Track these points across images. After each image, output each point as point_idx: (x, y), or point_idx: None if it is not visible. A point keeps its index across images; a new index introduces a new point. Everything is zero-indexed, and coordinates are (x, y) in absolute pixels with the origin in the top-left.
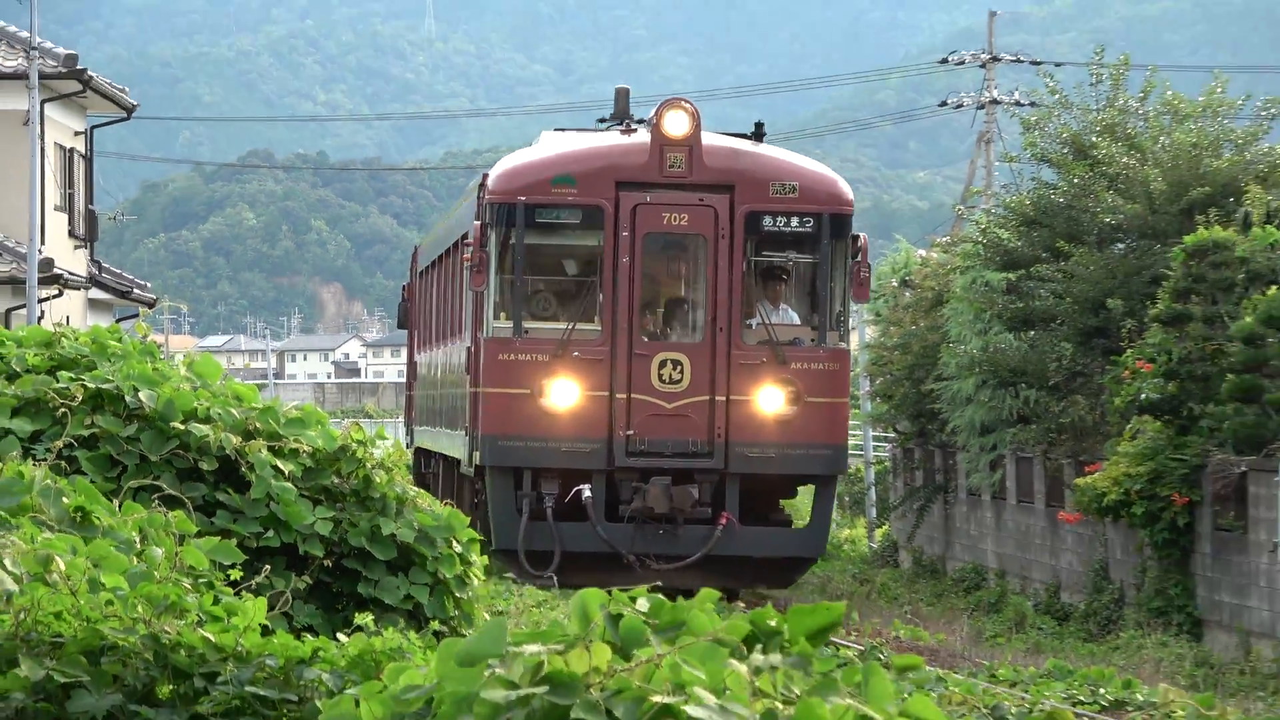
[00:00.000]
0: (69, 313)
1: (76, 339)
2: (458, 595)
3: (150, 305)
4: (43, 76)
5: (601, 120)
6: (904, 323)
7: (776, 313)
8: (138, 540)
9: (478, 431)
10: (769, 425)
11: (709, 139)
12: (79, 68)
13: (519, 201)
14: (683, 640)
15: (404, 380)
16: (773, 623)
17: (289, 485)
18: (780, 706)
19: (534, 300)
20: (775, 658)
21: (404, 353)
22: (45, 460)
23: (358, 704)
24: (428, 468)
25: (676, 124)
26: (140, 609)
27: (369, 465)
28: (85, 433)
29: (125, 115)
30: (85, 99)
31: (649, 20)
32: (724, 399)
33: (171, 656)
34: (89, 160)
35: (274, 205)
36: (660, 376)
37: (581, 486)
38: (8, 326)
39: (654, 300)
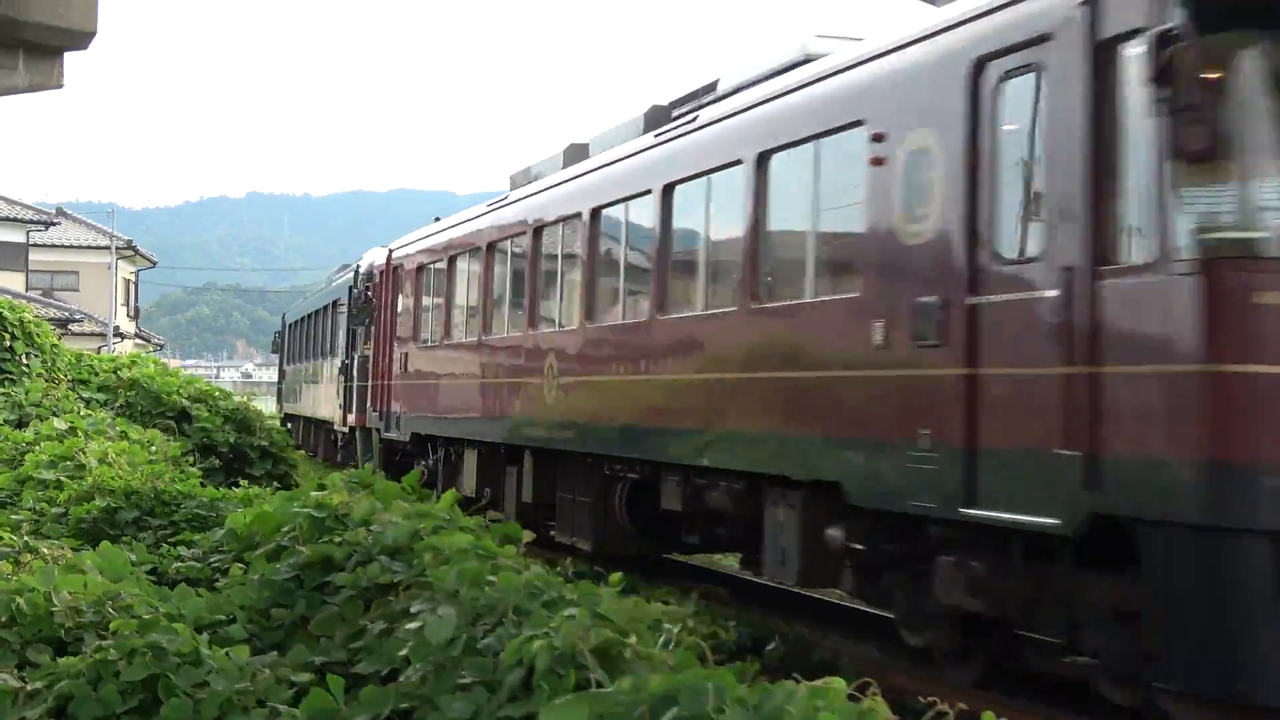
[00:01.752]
0: (123, 349)
1: (126, 361)
2: (290, 475)
3: (161, 346)
4: (118, 249)
5: None
6: None
7: None
8: (149, 445)
9: (1130, 458)
10: None
11: None
12: (133, 245)
13: None
14: (375, 490)
15: (339, 375)
16: (427, 504)
17: (216, 420)
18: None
19: None
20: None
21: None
22: (110, 411)
23: (243, 518)
24: (434, 454)
25: None
26: (147, 475)
27: (254, 415)
28: (126, 399)
29: (152, 265)
30: (134, 259)
31: (403, 231)
32: None
33: (161, 495)
34: (136, 285)
35: (217, 306)
36: None
37: None
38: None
39: None
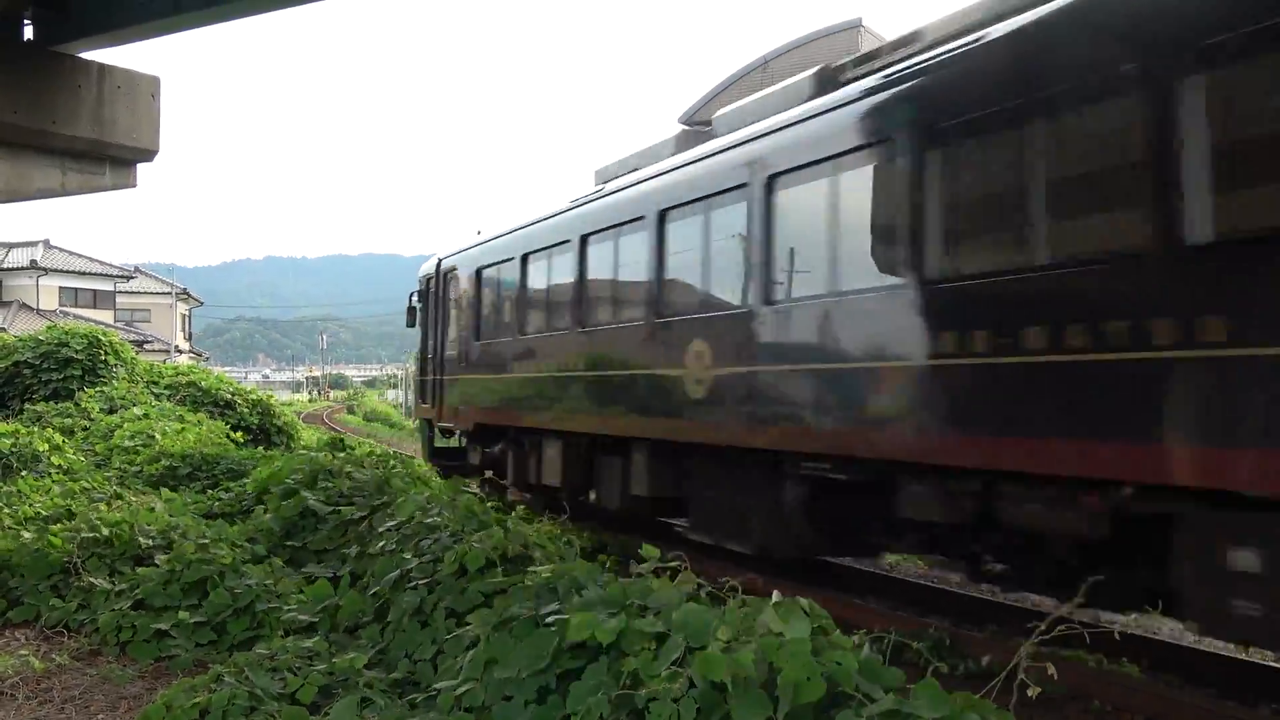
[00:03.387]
0: (181, 361)
1: (183, 368)
2: (292, 445)
3: (206, 359)
4: (176, 294)
5: None
6: None
7: None
8: (199, 424)
9: None
10: None
11: None
12: (187, 291)
13: None
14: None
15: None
16: (392, 462)
17: (247, 407)
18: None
19: None
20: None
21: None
22: (172, 402)
23: (263, 472)
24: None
25: None
26: (197, 443)
27: (273, 404)
28: (186, 394)
29: (200, 304)
30: (188, 300)
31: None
32: None
33: (206, 457)
34: (189, 318)
35: (244, 332)
36: None
37: None
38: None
39: None
